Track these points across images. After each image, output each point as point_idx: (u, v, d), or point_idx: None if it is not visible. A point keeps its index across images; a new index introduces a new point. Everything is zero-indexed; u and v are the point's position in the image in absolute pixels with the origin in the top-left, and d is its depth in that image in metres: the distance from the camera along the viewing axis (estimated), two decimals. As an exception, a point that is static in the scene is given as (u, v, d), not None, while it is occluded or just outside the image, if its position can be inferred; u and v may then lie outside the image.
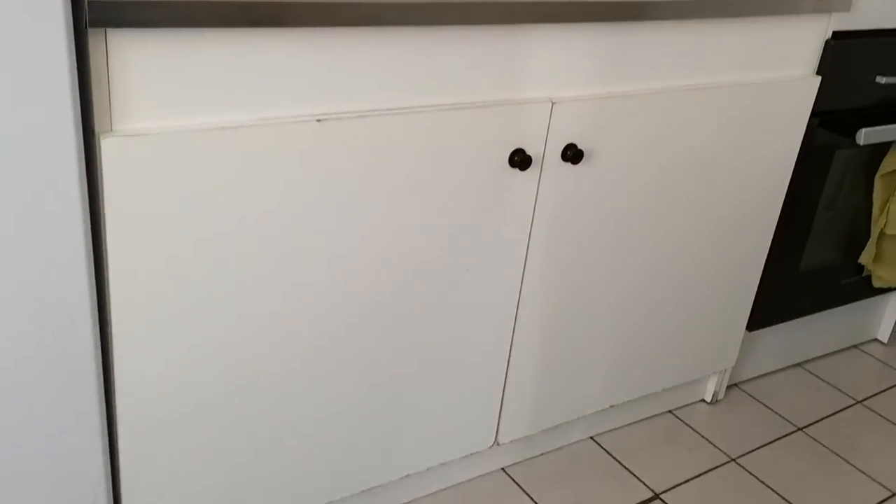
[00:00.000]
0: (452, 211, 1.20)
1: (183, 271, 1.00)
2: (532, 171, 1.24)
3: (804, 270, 1.79)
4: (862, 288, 1.92)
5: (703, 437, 1.73)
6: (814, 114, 1.58)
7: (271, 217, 1.04)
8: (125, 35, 0.86)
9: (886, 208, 1.73)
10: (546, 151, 1.25)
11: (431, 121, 1.11)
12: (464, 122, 1.14)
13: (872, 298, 2.06)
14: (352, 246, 1.13)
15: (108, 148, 0.89)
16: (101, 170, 0.90)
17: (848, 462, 1.70)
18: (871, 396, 1.93)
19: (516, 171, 1.23)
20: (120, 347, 1.00)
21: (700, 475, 1.63)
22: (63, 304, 0.92)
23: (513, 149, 1.21)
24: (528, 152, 1.22)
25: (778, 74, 1.50)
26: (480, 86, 1.15)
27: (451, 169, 1.16)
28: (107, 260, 0.95)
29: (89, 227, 0.91)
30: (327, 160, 1.05)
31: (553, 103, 1.22)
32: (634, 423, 1.74)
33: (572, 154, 1.27)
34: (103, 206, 0.92)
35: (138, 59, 0.88)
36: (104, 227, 0.93)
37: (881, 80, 1.64)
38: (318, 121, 1.02)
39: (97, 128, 0.89)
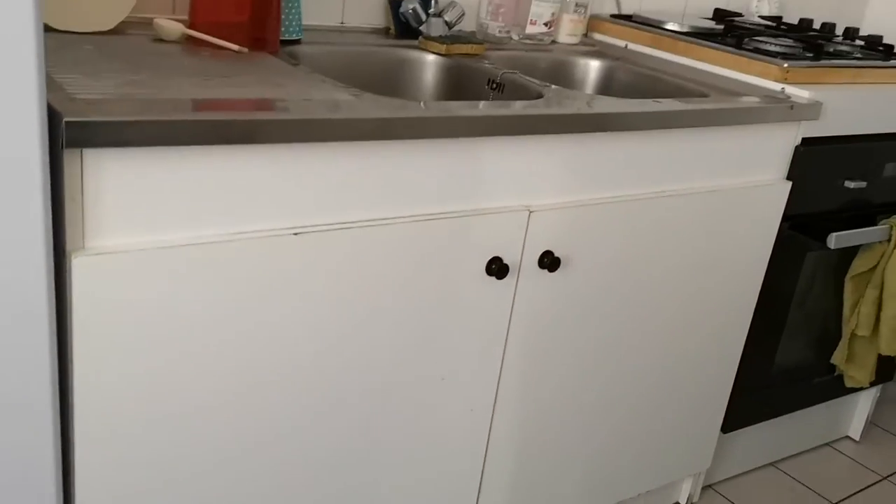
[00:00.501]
0: (429, 319, 1.18)
1: (151, 386, 0.97)
2: (509, 279, 1.24)
3: (778, 371, 1.79)
4: (834, 387, 1.92)
5: (679, 540, 1.70)
6: (785, 217, 1.60)
7: (246, 330, 1.02)
8: (101, 154, 0.85)
9: (857, 309, 1.75)
10: (523, 259, 1.24)
11: (408, 232, 1.11)
12: (441, 232, 1.14)
13: (844, 396, 2.06)
14: (327, 357, 1.10)
15: (79, 266, 0.86)
16: (70, 287, 0.87)
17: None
18: (844, 498, 1.91)
19: (493, 279, 1.22)
20: (82, 462, 0.96)
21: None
22: (26, 415, 0.88)
23: (490, 257, 1.20)
24: (506, 260, 1.21)
25: (750, 180, 1.53)
26: (457, 196, 1.15)
27: (427, 278, 1.15)
28: (72, 373, 0.91)
29: (55, 345, 0.88)
30: (304, 273, 1.03)
31: (530, 212, 1.22)
32: (610, 526, 1.70)
33: (549, 261, 1.26)
34: (71, 321, 0.89)
35: (113, 178, 0.87)
36: (71, 340, 0.90)
37: (849, 184, 1.67)
38: (295, 234, 1.01)
39: (69, 246, 0.86)
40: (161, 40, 1.27)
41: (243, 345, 1.02)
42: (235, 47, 1.27)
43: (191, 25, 1.30)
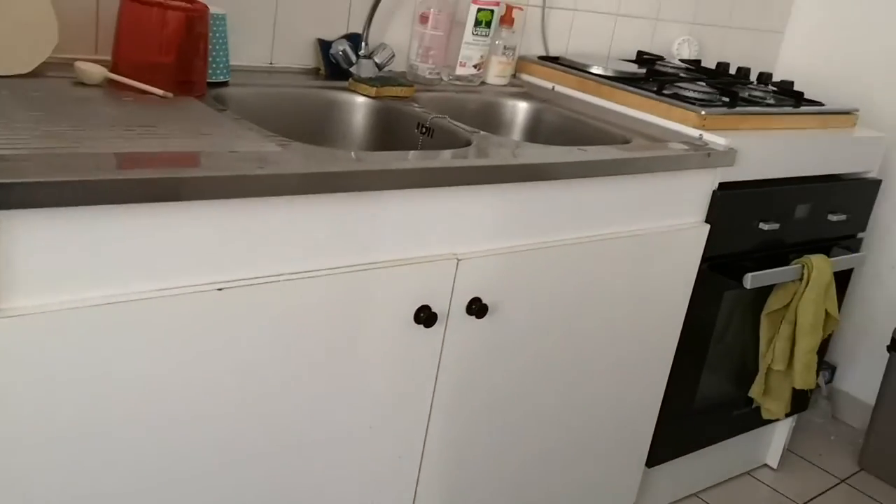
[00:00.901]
0: (357, 370, 1.18)
1: (72, 448, 0.94)
2: (437, 327, 1.25)
3: (699, 405, 1.84)
4: (753, 419, 1.98)
5: (605, 575, 1.72)
6: (704, 259, 1.66)
7: (170, 387, 1.00)
8: (16, 216, 0.83)
9: (772, 345, 1.81)
10: (451, 306, 1.26)
11: (335, 283, 1.11)
12: (368, 283, 1.14)
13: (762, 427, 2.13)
14: (255, 409, 1.09)
15: (-9, 329, 0.84)
16: (-19, 349, 0.84)
17: None
18: (764, 527, 1.97)
19: (421, 327, 1.22)
20: (-8, 532, 0.92)
21: None
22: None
23: (418, 306, 1.21)
24: (434, 308, 1.22)
25: (671, 223, 1.57)
26: (386, 246, 1.16)
27: (355, 329, 1.15)
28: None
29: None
30: (229, 327, 1.02)
31: (458, 260, 1.24)
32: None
33: (477, 308, 1.28)
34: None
35: (30, 238, 0.85)
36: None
37: (763, 226, 1.74)
38: (220, 289, 1.00)
39: (-19, 308, 0.84)
40: (83, 84, 1.24)
41: (168, 401, 1.00)
42: (160, 92, 1.25)
43: (114, 66, 1.27)
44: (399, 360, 1.23)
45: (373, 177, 1.09)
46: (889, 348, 2.04)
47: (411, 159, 1.16)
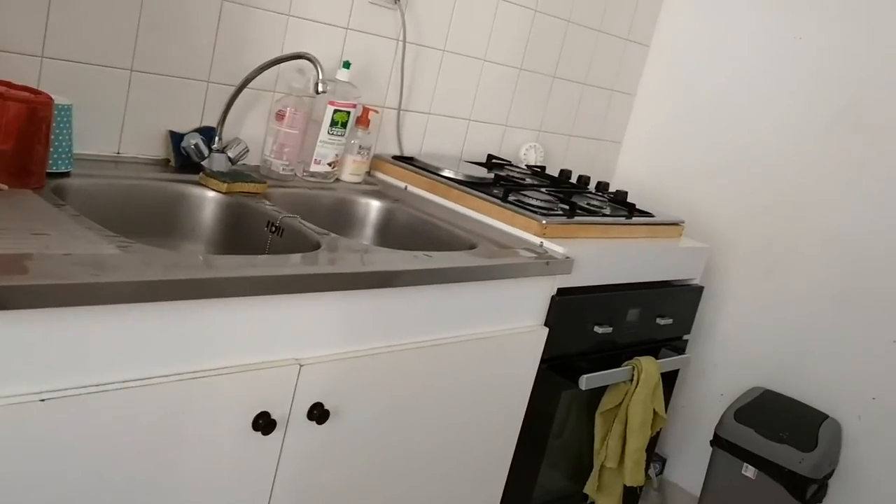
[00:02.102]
0: (192, 480, 1.15)
1: None
2: (276, 433, 1.23)
3: (537, 500, 1.89)
4: (588, 513, 2.05)
5: None
6: (543, 360, 1.73)
7: (-24, 503, 0.94)
8: None
9: (605, 443, 1.90)
10: (292, 412, 1.25)
11: (168, 391, 1.08)
12: (205, 390, 1.12)
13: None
14: (71, 525, 1.03)
15: None
16: None
17: None
18: None
19: (259, 434, 1.21)
20: None
21: None
22: None
23: (257, 412, 1.20)
24: (273, 415, 1.21)
25: (512, 327, 1.64)
26: (227, 352, 1.15)
27: (190, 438, 1.13)
28: None
29: None
30: (54, 439, 0.98)
31: (301, 365, 1.24)
32: None
33: (318, 413, 1.28)
34: None
35: None
36: None
37: (598, 329, 1.84)
38: (42, 400, 0.96)
39: None
40: None
41: (-26, 520, 0.94)
42: (-6, 184, 1.20)
43: (-55, 154, 1.22)
44: (235, 469, 1.20)
45: (217, 285, 1.08)
46: (712, 443, 2.18)
47: (257, 266, 1.16)
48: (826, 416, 2.19)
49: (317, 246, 1.37)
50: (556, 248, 1.70)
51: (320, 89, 1.56)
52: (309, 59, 1.57)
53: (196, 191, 1.55)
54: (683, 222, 2.16)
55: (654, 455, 2.44)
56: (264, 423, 1.20)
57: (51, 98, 1.27)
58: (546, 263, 1.62)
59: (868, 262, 2.20)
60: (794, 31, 2.33)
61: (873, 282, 2.19)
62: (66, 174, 1.39)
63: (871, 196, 2.20)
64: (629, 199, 2.18)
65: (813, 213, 2.29)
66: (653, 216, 2.10)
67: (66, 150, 1.38)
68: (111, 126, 1.54)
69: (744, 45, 2.43)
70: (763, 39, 2.39)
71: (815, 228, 2.28)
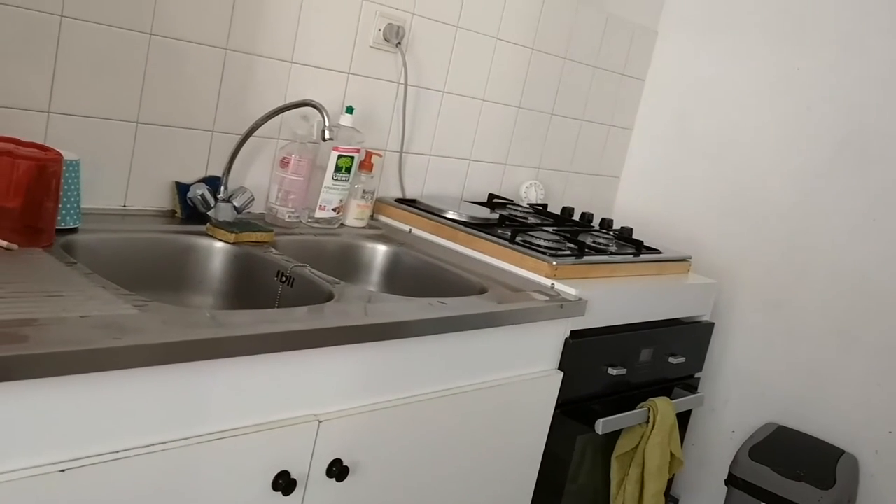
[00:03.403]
0: (209, 544, 1.11)
1: None
2: (296, 493, 1.20)
3: (554, 548, 1.85)
4: (604, 558, 2.01)
5: None
6: (558, 404, 1.70)
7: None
8: None
9: (622, 487, 1.87)
10: (311, 470, 1.22)
11: (188, 454, 1.05)
12: (224, 453, 1.09)
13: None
14: None
15: None
16: None
17: None
18: None
19: (280, 495, 1.17)
20: None
21: None
22: None
23: (277, 472, 1.16)
24: (293, 474, 1.18)
25: (526, 372, 1.62)
26: (244, 411, 1.12)
27: (211, 500, 1.09)
28: None
29: None
30: (69, 510, 0.94)
31: (319, 421, 1.21)
32: None
33: (338, 471, 1.24)
34: None
35: None
36: None
37: (612, 371, 1.82)
38: (62, 471, 0.92)
39: None
40: (-87, 233, 1.15)
41: None
42: (4, 243, 1.17)
43: (-49, 214, 1.19)
44: (255, 531, 1.16)
45: (234, 343, 1.05)
46: (727, 482, 2.15)
47: (273, 321, 1.13)
48: (843, 452, 2.16)
49: (329, 296, 1.35)
50: (568, 289, 1.68)
51: (327, 136, 1.54)
52: (315, 107, 1.56)
53: (204, 242, 1.53)
54: (691, 258, 2.15)
55: (667, 495, 2.41)
56: (284, 483, 1.16)
57: (60, 154, 1.25)
58: (560, 306, 1.60)
59: (876, 294, 2.19)
60: (793, 62, 2.35)
61: (882, 314, 2.18)
62: (74, 230, 1.36)
63: (876, 227, 2.20)
64: (635, 236, 2.16)
65: (818, 246, 2.28)
66: (660, 252, 2.09)
67: (75, 205, 1.36)
68: (118, 179, 1.52)
69: (740, 76, 2.44)
70: (760, 70, 2.41)
71: (821, 260, 2.28)
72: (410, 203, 2.01)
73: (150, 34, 1.48)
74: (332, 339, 1.19)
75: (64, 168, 1.30)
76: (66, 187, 1.33)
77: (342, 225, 1.87)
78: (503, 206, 2.21)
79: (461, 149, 2.19)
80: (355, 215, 1.89)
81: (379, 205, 2.00)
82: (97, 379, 0.93)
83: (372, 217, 1.98)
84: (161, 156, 1.57)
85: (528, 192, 2.40)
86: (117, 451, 0.98)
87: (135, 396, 0.98)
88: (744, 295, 2.41)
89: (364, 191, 1.89)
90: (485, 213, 2.03)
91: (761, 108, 2.40)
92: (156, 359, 0.97)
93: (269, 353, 1.11)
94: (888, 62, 2.19)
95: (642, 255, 2.01)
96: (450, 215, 1.94)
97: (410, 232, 1.93)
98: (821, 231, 2.28)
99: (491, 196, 2.26)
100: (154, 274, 1.45)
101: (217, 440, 1.07)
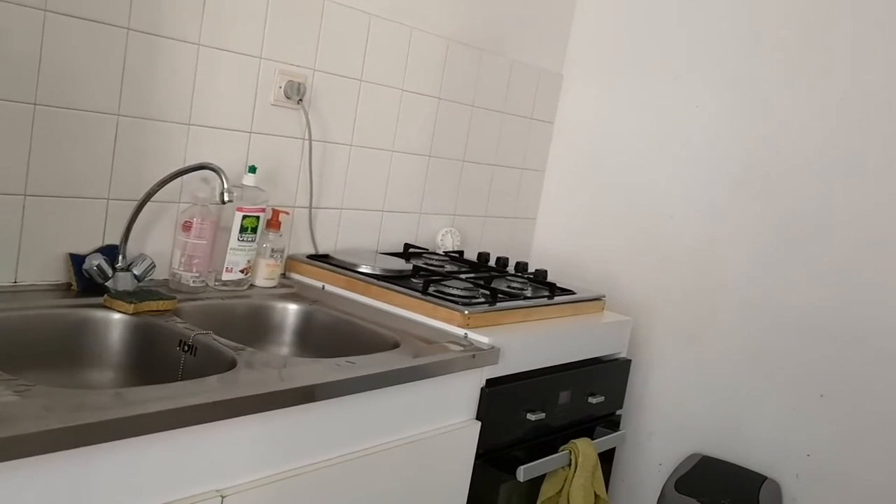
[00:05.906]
0: None
1: None
2: (201, 574, 1.15)
3: None
4: None
5: None
6: (478, 454, 1.69)
7: None
8: None
9: (550, 532, 1.85)
10: (217, 549, 1.17)
11: (82, 545, 1.00)
12: (121, 539, 1.04)
13: None
14: None
15: None
16: None
17: None
18: None
19: (183, 578, 1.12)
20: None
21: None
22: None
23: (179, 554, 1.12)
24: (197, 555, 1.13)
25: (443, 424, 1.60)
26: (143, 491, 1.07)
27: (105, 592, 1.03)
28: None
29: None
30: None
31: (223, 497, 1.17)
32: None
33: (246, 546, 1.20)
34: None
35: None
36: None
37: (531, 416, 1.81)
38: (-66, 579, 0.86)
39: None
40: None
41: None
42: None
43: None
44: None
45: (127, 424, 1.01)
46: (653, 517, 2.17)
47: (170, 396, 1.09)
48: (765, 478, 2.20)
49: (232, 364, 1.31)
50: (480, 338, 1.68)
51: (226, 199, 1.52)
52: (213, 170, 1.53)
53: (101, 314, 1.47)
54: (604, 297, 2.18)
55: (599, 533, 2.40)
56: (187, 566, 1.11)
57: (-66, 236, 1.20)
58: (472, 356, 1.60)
59: (786, 322, 2.25)
60: (692, 100, 2.42)
61: (792, 341, 2.24)
62: (-44, 312, 1.30)
63: (780, 257, 2.26)
64: (549, 278, 2.18)
65: (727, 278, 2.34)
66: (574, 293, 2.11)
67: (-45, 286, 1.30)
68: (6, 254, 1.46)
69: (644, 116, 2.51)
70: (662, 109, 2.48)
71: (731, 292, 2.33)
72: (323, 259, 1.99)
73: (35, 104, 1.44)
74: (233, 409, 1.15)
75: (-59, 249, 1.24)
76: (-55, 269, 1.27)
77: (252, 286, 1.84)
78: (419, 255, 2.20)
79: (373, 201, 2.18)
80: (265, 275, 1.86)
81: (291, 262, 1.98)
82: (-31, 476, 0.88)
83: (284, 275, 1.95)
84: (53, 227, 1.52)
85: (444, 240, 2.40)
86: (-3, 551, 0.92)
87: (17, 491, 0.93)
88: (659, 329, 2.45)
89: (273, 249, 1.86)
90: (399, 264, 2.02)
91: (665, 147, 2.47)
92: (35, 449, 0.92)
93: (166, 430, 1.07)
94: (780, 98, 2.28)
95: (556, 297, 2.02)
96: (362, 269, 1.93)
97: (323, 289, 1.91)
98: (728, 264, 2.34)
99: (407, 246, 2.26)
100: (47, 352, 1.39)
101: (110, 528, 1.03)
